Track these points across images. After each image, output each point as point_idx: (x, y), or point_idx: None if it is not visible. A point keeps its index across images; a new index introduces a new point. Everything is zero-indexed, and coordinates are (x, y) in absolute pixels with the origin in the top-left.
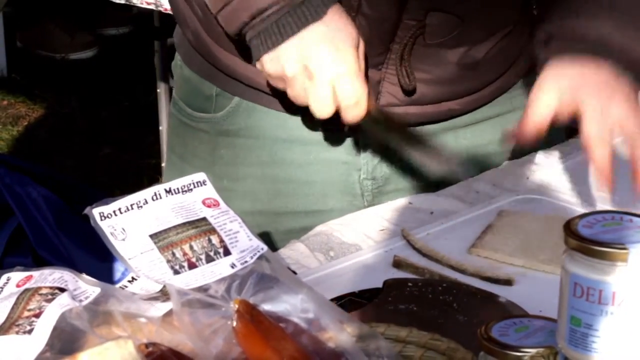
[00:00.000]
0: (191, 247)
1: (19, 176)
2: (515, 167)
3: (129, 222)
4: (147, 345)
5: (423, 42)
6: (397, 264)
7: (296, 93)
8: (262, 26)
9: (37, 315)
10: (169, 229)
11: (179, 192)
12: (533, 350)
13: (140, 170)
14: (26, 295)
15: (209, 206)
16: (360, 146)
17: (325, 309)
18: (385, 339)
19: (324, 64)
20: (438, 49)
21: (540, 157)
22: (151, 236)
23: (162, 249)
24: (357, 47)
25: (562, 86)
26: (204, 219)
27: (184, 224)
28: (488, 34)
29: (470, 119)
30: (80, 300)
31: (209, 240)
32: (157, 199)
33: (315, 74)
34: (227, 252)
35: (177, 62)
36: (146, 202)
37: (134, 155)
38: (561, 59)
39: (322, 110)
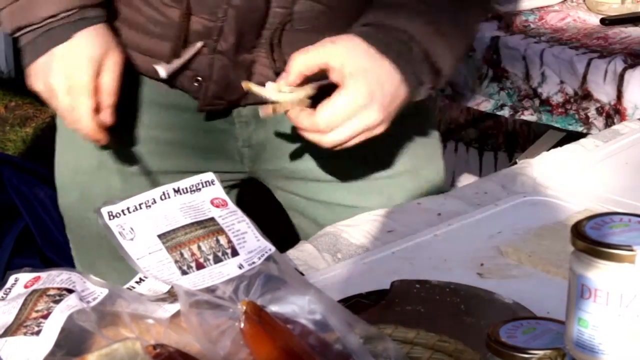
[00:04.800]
0: (199, 248)
1: (26, 177)
2: (527, 167)
3: (137, 222)
4: (154, 347)
5: (291, 28)
6: None
7: (52, 106)
8: (22, 41)
9: (45, 317)
10: (177, 229)
11: (187, 192)
12: (540, 352)
13: None
14: (34, 296)
15: (217, 206)
16: (234, 115)
17: (333, 310)
18: (393, 341)
19: (58, 79)
20: (306, 34)
21: (552, 157)
22: (159, 236)
23: (170, 249)
24: (96, 63)
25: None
26: (212, 219)
27: (192, 224)
28: (350, 20)
29: None
30: (88, 302)
31: (217, 241)
32: (165, 198)
33: (53, 88)
34: (235, 253)
35: None
36: (154, 201)
37: None
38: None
39: (69, 124)
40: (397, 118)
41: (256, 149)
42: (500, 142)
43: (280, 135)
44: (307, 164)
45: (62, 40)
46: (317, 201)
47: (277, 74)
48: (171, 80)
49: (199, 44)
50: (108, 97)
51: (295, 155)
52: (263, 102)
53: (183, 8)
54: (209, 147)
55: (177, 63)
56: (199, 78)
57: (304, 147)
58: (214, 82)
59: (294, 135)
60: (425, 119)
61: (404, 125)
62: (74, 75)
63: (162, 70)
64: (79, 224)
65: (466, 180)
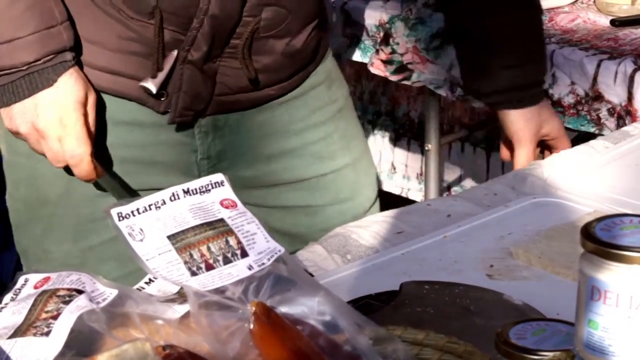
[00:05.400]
0: (209, 249)
1: None
2: (537, 169)
3: (147, 223)
4: (164, 347)
5: (257, 35)
6: None
7: (34, 147)
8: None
9: (55, 317)
10: (187, 230)
11: (197, 193)
12: (550, 354)
13: None
14: (44, 297)
15: (226, 207)
16: (194, 128)
17: (342, 311)
18: (403, 342)
19: (50, 125)
20: (267, 41)
21: (561, 158)
22: (169, 237)
23: (179, 250)
24: (83, 107)
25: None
26: (222, 220)
27: (201, 225)
28: (305, 24)
29: (282, 99)
30: (98, 302)
31: (227, 242)
32: (175, 199)
33: (44, 133)
34: (244, 254)
35: None
36: (164, 202)
37: None
38: (512, 111)
39: (55, 163)
40: (335, 117)
41: (214, 161)
42: None
43: (236, 144)
44: (262, 169)
45: (45, 85)
46: (270, 207)
47: (251, 80)
48: (158, 95)
49: (174, 53)
50: (92, 135)
51: (249, 163)
52: (225, 110)
53: (157, 22)
54: (170, 162)
55: (161, 75)
56: (164, 92)
57: (258, 154)
58: (183, 93)
59: (250, 143)
60: (352, 116)
61: (341, 123)
62: (68, 123)
63: (152, 86)
64: (41, 259)
65: (473, 181)
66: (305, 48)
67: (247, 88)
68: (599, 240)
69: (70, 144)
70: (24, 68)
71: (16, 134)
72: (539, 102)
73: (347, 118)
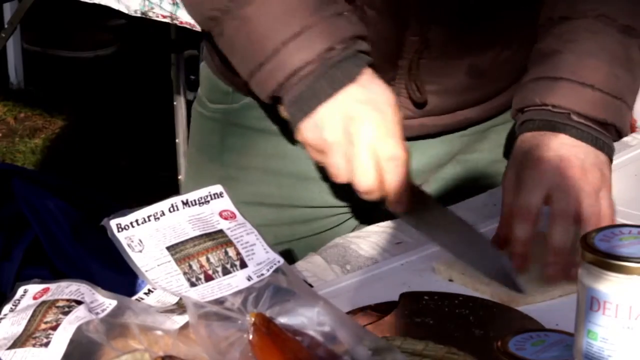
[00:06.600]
0: (208, 260)
1: (35, 188)
2: None
3: (146, 234)
4: (163, 358)
5: (429, 55)
6: None
7: (337, 161)
8: (296, 91)
9: (54, 328)
10: (186, 241)
11: (196, 204)
12: None
13: (156, 183)
14: (43, 307)
15: (225, 218)
16: None
17: (342, 322)
18: (402, 352)
19: (365, 125)
20: (445, 60)
21: None
22: (168, 248)
23: (178, 261)
24: (394, 106)
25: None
26: (221, 231)
27: (200, 236)
28: (490, 44)
29: (489, 125)
30: (97, 313)
31: (226, 253)
32: (174, 210)
33: (355, 136)
34: (243, 265)
35: (203, 64)
36: (163, 213)
37: (151, 168)
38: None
39: (365, 177)
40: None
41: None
42: None
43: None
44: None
45: (349, 79)
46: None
47: (417, 104)
48: None
49: None
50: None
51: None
52: (412, 135)
53: None
54: (324, 179)
55: None
56: None
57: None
58: None
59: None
60: None
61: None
62: (386, 123)
63: None
64: None
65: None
66: (499, 68)
67: (433, 111)
68: (598, 251)
69: (391, 144)
70: (320, 62)
71: (314, 146)
72: None
73: None
